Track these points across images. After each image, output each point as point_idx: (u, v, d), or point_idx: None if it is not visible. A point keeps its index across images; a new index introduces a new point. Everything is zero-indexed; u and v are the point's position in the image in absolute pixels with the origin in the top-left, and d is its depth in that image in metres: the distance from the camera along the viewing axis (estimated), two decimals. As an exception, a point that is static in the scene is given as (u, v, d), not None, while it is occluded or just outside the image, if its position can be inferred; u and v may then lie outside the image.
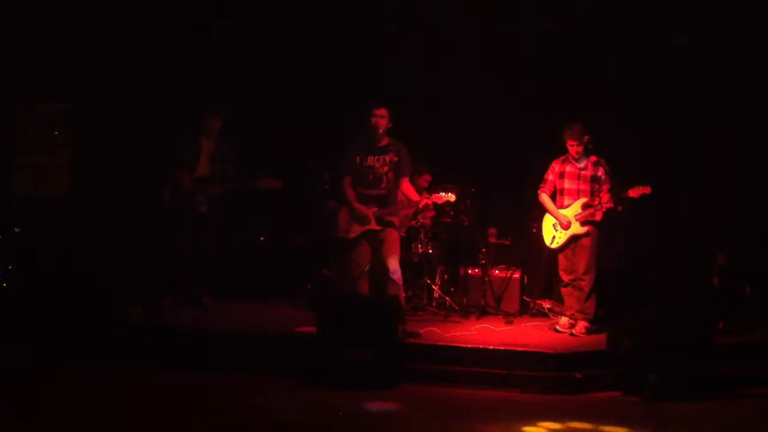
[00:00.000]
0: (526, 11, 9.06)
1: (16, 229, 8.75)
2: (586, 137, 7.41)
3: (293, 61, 9.38)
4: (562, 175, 7.58)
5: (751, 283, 7.85)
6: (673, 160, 8.52)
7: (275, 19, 9.38)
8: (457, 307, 8.36)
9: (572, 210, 7.46)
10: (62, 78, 9.06)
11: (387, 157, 7.15)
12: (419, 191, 7.76)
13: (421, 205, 7.19)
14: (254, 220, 9.31)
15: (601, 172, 7.46)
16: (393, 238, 7.15)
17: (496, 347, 6.76)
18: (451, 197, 7.06)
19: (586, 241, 7.41)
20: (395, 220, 7.26)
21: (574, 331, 7.39)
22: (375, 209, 7.12)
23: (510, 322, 7.97)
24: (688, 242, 8.45)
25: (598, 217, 7.39)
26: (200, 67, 9.18)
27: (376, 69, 9.26)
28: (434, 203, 7.26)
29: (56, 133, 9.10)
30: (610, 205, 7.31)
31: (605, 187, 7.44)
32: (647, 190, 7.16)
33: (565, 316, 7.61)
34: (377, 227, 7.10)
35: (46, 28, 8.98)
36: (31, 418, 5.48)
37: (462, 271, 8.77)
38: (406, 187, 7.21)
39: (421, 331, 7.25)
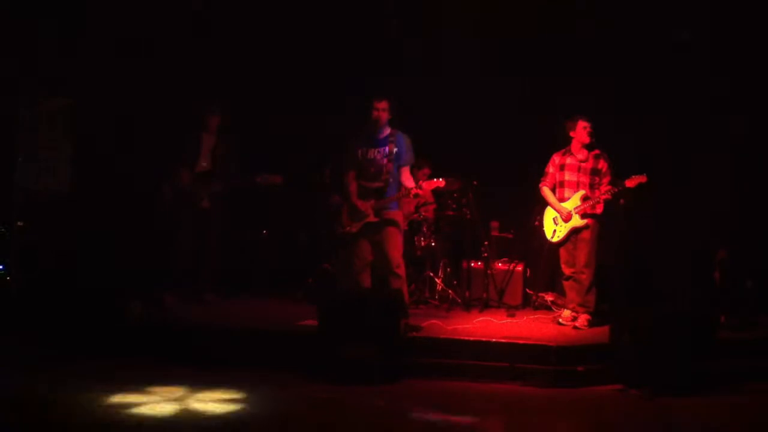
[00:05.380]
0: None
1: (18, 224, 8.76)
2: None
3: (294, 57, 9.38)
4: (562, 167, 7.57)
5: (752, 278, 7.83)
6: (673, 157, 8.49)
7: (275, 18, 9.35)
8: (459, 300, 8.37)
9: (572, 203, 7.45)
10: (64, 75, 9.07)
11: (387, 149, 7.14)
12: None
13: (412, 193, 7.14)
14: (255, 216, 9.31)
15: (602, 165, 7.46)
16: (394, 234, 7.13)
17: (499, 340, 6.76)
18: (440, 182, 7.05)
19: (586, 234, 7.40)
20: (398, 215, 7.24)
21: (576, 324, 7.39)
22: (373, 202, 7.12)
23: (512, 315, 7.97)
24: (690, 238, 8.43)
25: (599, 209, 7.38)
26: (200, 65, 9.18)
27: (377, 65, 9.22)
28: (423, 189, 7.18)
29: (58, 128, 9.11)
30: (607, 196, 7.30)
31: (605, 180, 7.44)
32: (643, 179, 7.15)
33: (567, 309, 7.61)
34: (375, 219, 7.09)
35: (49, 24, 8.98)
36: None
37: (464, 265, 8.76)
38: (405, 177, 7.17)
39: (424, 325, 7.27)
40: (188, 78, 9.08)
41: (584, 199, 7.40)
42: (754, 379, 6.56)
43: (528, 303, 8.50)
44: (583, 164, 7.51)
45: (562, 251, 7.61)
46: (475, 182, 8.55)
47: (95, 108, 9.10)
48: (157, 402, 5.67)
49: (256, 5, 9.36)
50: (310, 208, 9.06)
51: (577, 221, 7.41)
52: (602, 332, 6.87)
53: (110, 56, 9.02)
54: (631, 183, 7.17)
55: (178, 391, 5.93)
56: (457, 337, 6.90)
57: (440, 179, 7.06)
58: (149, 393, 5.86)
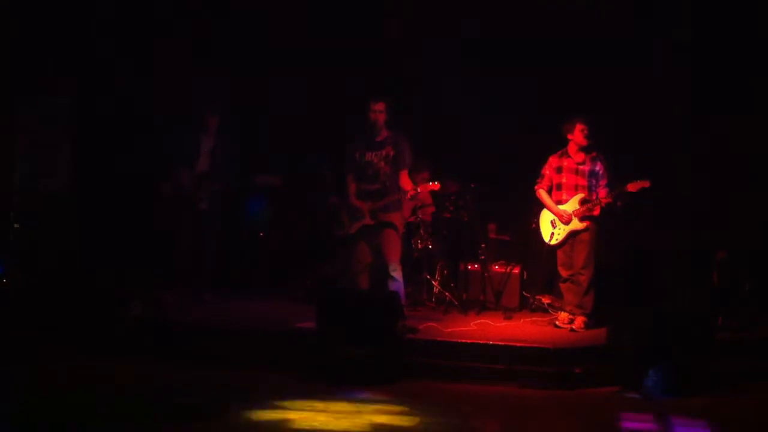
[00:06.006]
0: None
1: (16, 225, 8.76)
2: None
3: (294, 56, 9.38)
4: (559, 170, 7.59)
5: (751, 279, 7.86)
6: (673, 158, 8.51)
7: (275, 17, 9.38)
8: (456, 303, 8.37)
9: (570, 206, 7.47)
10: (63, 75, 9.08)
11: (384, 152, 7.16)
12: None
13: (408, 196, 7.17)
14: (254, 215, 9.33)
15: (599, 167, 7.47)
16: (391, 236, 7.17)
17: (496, 342, 6.77)
18: (436, 185, 7.08)
19: (584, 236, 7.42)
20: (396, 217, 7.25)
21: (573, 327, 7.40)
22: (370, 204, 7.14)
23: (509, 318, 7.99)
24: (688, 238, 8.45)
25: (597, 212, 7.39)
26: (200, 65, 9.21)
27: (377, 67, 9.24)
28: (419, 192, 7.20)
29: (57, 129, 9.12)
30: (609, 200, 7.32)
31: (602, 183, 7.45)
32: (646, 184, 7.16)
33: (564, 311, 7.63)
34: (371, 221, 7.11)
35: (49, 25, 9.00)
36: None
37: (462, 267, 8.79)
38: (404, 181, 7.18)
39: (421, 327, 7.27)
40: (188, 77, 9.10)
41: (583, 202, 7.42)
42: (753, 379, 6.58)
43: (525, 305, 8.50)
44: (580, 167, 7.52)
45: (559, 253, 7.63)
46: (472, 185, 8.58)
47: (96, 105, 9.12)
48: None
49: (256, 5, 9.39)
50: (310, 208, 9.07)
51: (576, 224, 7.42)
52: (599, 334, 6.89)
53: (112, 54, 9.05)
54: (633, 187, 7.16)
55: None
56: (454, 340, 6.92)
57: (436, 182, 7.10)
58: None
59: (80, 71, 9.13)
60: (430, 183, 7.13)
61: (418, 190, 7.12)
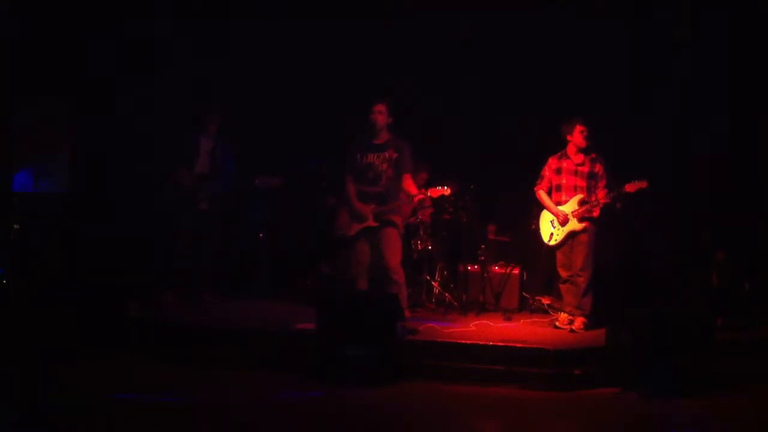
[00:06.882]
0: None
1: (16, 226, 8.76)
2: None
3: (293, 58, 9.38)
4: (558, 171, 7.58)
5: (750, 279, 7.86)
6: (672, 158, 8.51)
7: (274, 17, 9.38)
8: (456, 304, 8.37)
9: (569, 206, 7.46)
10: (63, 76, 9.08)
11: (386, 154, 7.13)
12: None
13: (416, 200, 7.16)
14: (254, 216, 9.33)
15: (598, 169, 7.47)
16: (392, 236, 7.12)
17: (495, 343, 6.76)
18: (446, 191, 7.04)
19: (583, 237, 7.41)
20: (397, 218, 7.23)
21: (572, 327, 7.40)
22: (373, 206, 7.11)
23: (509, 319, 7.98)
24: (688, 239, 8.46)
25: (596, 213, 7.38)
26: (200, 65, 9.21)
27: (377, 66, 9.24)
28: (431, 198, 7.23)
29: (57, 129, 9.12)
30: (607, 200, 7.31)
31: (601, 184, 7.44)
32: (643, 184, 7.15)
33: (563, 312, 7.63)
34: (374, 224, 7.09)
35: (48, 25, 9.00)
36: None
37: (461, 268, 8.79)
38: (407, 184, 7.15)
39: (421, 328, 7.26)
40: (188, 77, 9.10)
41: (582, 203, 7.42)
42: (753, 380, 6.58)
43: (525, 306, 8.50)
44: (579, 168, 7.51)
45: (559, 254, 7.63)
46: (472, 186, 8.57)
47: (95, 106, 9.12)
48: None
49: (256, 7, 9.39)
50: (310, 208, 9.07)
51: (574, 225, 7.42)
52: (599, 335, 6.87)
53: (112, 55, 9.06)
54: (631, 188, 7.15)
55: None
56: (454, 341, 6.91)
57: (446, 187, 7.05)
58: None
59: (80, 71, 9.13)
60: (441, 188, 7.06)
61: (429, 194, 7.10)
